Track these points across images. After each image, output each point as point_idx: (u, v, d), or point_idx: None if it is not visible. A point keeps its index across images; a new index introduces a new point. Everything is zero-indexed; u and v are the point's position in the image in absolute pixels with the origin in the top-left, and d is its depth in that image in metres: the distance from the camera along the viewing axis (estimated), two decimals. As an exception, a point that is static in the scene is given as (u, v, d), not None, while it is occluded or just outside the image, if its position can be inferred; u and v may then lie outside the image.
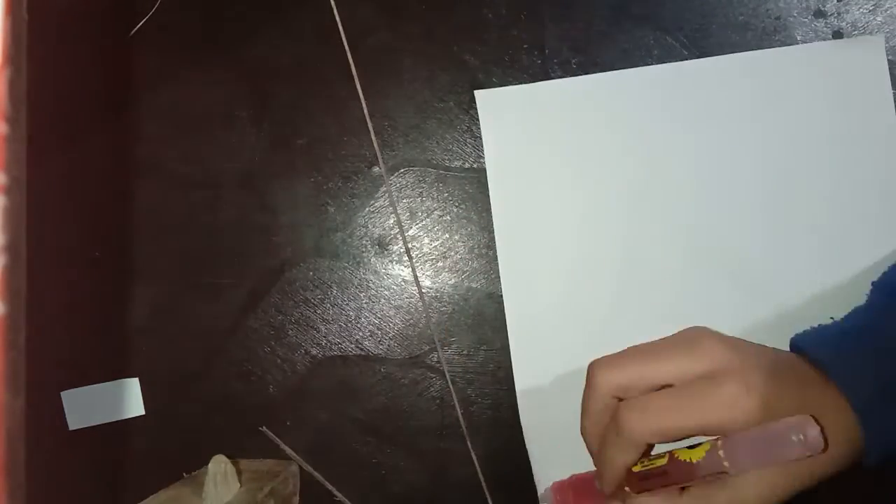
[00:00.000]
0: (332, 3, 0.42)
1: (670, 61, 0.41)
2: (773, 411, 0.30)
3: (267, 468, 0.41)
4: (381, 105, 0.43)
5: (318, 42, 0.43)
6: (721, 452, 0.30)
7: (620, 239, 0.41)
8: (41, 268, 0.42)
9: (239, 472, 0.39)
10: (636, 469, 0.33)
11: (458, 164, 0.43)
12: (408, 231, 0.43)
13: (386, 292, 0.43)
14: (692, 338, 0.33)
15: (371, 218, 0.43)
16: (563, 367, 0.40)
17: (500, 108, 0.41)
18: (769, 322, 0.39)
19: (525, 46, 0.42)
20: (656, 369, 0.32)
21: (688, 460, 0.31)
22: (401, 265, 0.43)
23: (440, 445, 0.43)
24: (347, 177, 0.43)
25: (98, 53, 0.44)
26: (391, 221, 0.43)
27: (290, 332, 0.43)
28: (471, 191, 0.43)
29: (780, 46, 0.41)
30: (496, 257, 0.42)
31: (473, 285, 0.43)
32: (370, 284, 0.43)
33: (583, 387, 0.34)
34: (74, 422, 0.43)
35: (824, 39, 0.41)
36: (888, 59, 0.40)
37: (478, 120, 0.42)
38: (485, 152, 0.41)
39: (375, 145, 0.43)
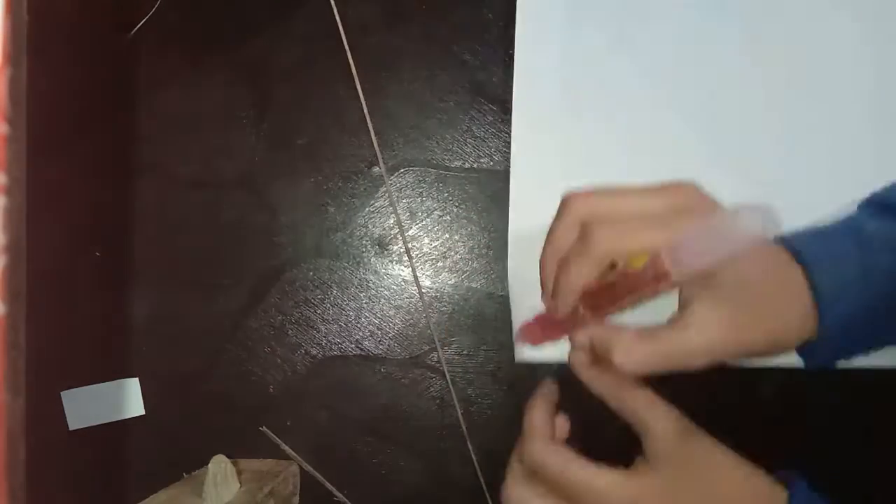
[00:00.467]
0: (332, 3, 0.42)
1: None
2: (739, 262, 0.30)
3: (267, 468, 0.41)
4: (381, 105, 0.43)
5: (318, 42, 0.43)
6: (662, 253, 0.29)
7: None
8: (41, 268, 0.42)
9: (239, 472, 0.39)
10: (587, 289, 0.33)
11: (458, 164, 0.43)
12: (408, 231, 0.43)
13: (386, 292, 0.43)
14: (674, 182, 0.33)
15: (371, 218, 0.43)
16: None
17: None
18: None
19: (525, 46, 0.42)
20: (632, 201, 0.33)
21: (632, 269, 0.30)
22: (401, 265, 0.43)
23: (440, 445, 0.43)
24: (347, 177, 0.43)
25: (98, 53, 0.44)
26: (391, 221, 0.43)
27: (290, 332, 0.43)
28: (471, 191, 0.43)
29: None
30: (496, 257, 0.42)
31: (473, 285, 0.43)
32: (370, 284, 0.43)
33: None
34: (74, 422, 0.43)
35: None
36: None
37: (478, 120, 0.42)
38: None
39: (375, 145, 0.43)
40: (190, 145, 0.44)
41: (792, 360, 0.38)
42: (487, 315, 0.42)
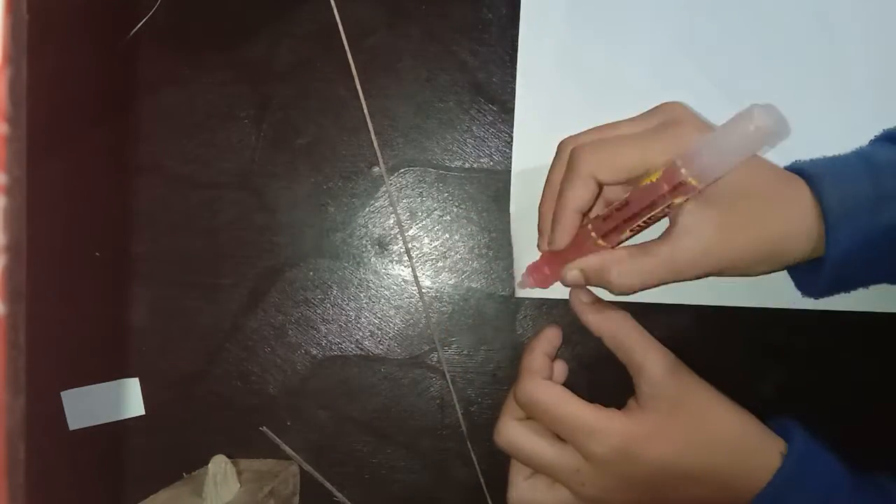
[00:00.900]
0: (332, 3, 0.42)
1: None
2: (734, 172, 0.30)
3: (267, 468, 0.41)
4: (381, 105, 0.43)
5: (318, 42, 0.43)
6: (678, 161, 0.28)
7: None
8: (41, 268, 0.42)
9: (239, 472, 0.39)
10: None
11: (458, 164, 0.43)
12: (408, 231, 0.43)
13: (386, 292, 0.43)
14: (660, 105, 0.33)
15: (371, 218, 0.43)
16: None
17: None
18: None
19: (525, 46, 0.42)
20: (620, 126, 0.33)
21: (647, 182, 0.30)
22: (401, 265, 0.43)
23: (440, 445, 0.43)
24: (347, 177, 0.43)
25: (98, 53, 0.44)
26: (391, 221, 0.43)
27: (290, 332, 0.43)
28: (471, 191, 0.43)
29: None
30: (496, 257, 0.42)
31: (473, 285, 0.43)
32: (370, 284, 0.43)
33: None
34: (74, 422, 0.43)
35: None
36: None
37: (478, 120, 0.42)
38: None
39: (375, 145, 0.43)
40: (190, 145, 0.44)
41: (782, 298, 0.38)
42: (487, 315, 0.42)
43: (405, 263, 0.43)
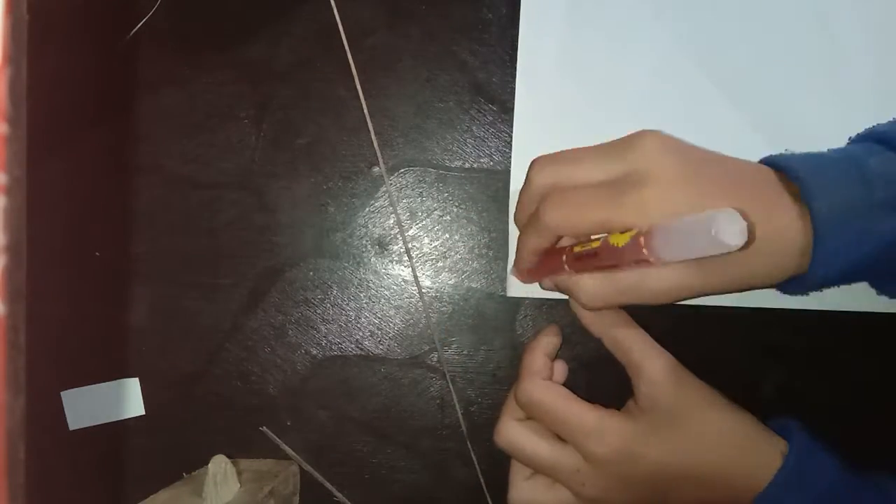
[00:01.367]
0: (332, 3, 0.42)
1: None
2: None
3: (267, 468, 0.41)
4: (381, 105, 0.43)
5: (318, 42, 0.43)
6: (641, 240, 0.28)
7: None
8: (41, 268, 0.42)
9: (239, 472, 0.39)
10: (576, 249, 0.33)
11: (458, 164, 0.43)
12: (408, 231, 0.43)
13: (386, 292, 0.43)
14: (633, 138, 0.31)
15: (371, 218, 0.43)
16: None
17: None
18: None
19: (525, 46, 0.42)
20: (587, 170, 0.31)
21: (615, 245, 0.30)
22: (401, 265, 0.43)
23: (440, 445, 0.43)
24: (347, 177, 0.43)
25: (98, 53, 0.44)
26: (391, 221, 0.43)
27: (290, 332, 0.43)
28: (471, 191, 0.43)
29: None
30: (496, 257, 0.42)
31: (473, 285, 0.43)
32: (370, 284, 0.43)
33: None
34: (74, 422, 0.43)
35: None
36: None
37: (478, 120, 0.42)
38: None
39: (375, 145, 0.43)
40: (190, 145, 0.44)
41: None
42: (487, 315, 0.42)
43: (405, 263, 0.43)
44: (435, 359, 0.43)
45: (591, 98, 0.41)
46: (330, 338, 0.43)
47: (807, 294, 0.33)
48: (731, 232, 0.25)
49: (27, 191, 0.16)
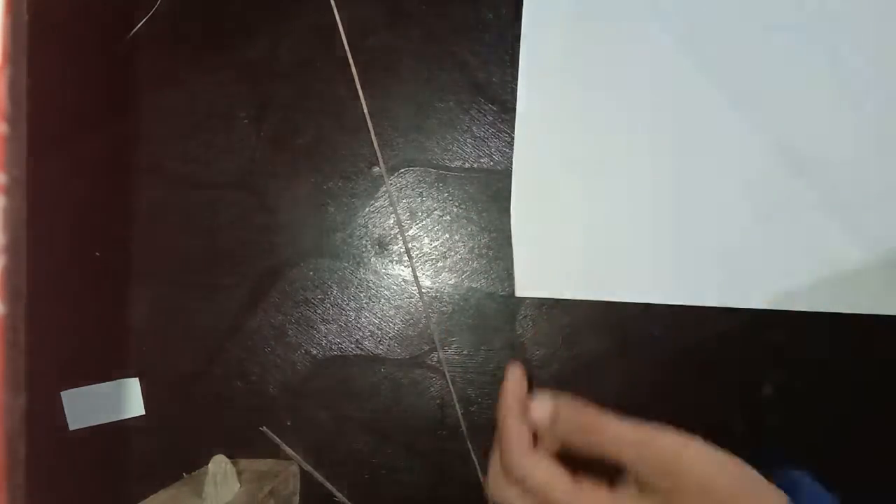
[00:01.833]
0: (332, 3, 0.42)
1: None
2: None
3: (267, 468, 0.41)
4: (381, 105, 0.43)
5: (318, 42, 0.43)
6: None
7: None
8: (41, 268, 0.42)
9: (239, 472, 0.39)
10: None
11: (458, 164, 0.43)
12: (408, 231, 0.43)
13: (386, 292, 0.43)
14: (674, 446, 0.28)
15: (371, 218, 0.43)
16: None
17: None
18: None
19: (525, 46, 0.42)
20: (618, 451, 0.29)
21: None
22: (401, 265, 0.43)
23: (440, 445, 0.43)
24: (347, 177, 0.43)
25: (98, 54, 0.44)
26: (391, 221, 0.43)
27: (290, 332, 0.43)
28: (471, 191, 0.43)
29: None
30: (496, 257, 0.42)
31: (473, 285, 0.43)
32: (370, 284, 0.43)
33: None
34: (74, 422, 0.43)
35: None
36: None
37: (478, 120, 0.42)
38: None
39: (375, 145, 0.43)
40: (190, 145, 0.44)
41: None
42: (488, 315, 0.42)
43: (405, 263, 0.43)
44: (435, 359, 0.43)
45: (592, 98, 0.41)
46: (330, 338, 0.43)
47: None
48: None
49: (27, 191, 0.16)
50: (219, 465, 0.38)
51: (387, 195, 0.43)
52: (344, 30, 0.42)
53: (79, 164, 0.44)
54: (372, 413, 0.43)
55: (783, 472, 0.32)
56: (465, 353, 0.42)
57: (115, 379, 0.43)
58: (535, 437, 0.32)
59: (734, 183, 0.41)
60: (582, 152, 0.41)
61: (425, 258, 0.43)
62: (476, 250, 0.43)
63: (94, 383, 0.43)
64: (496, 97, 0.42)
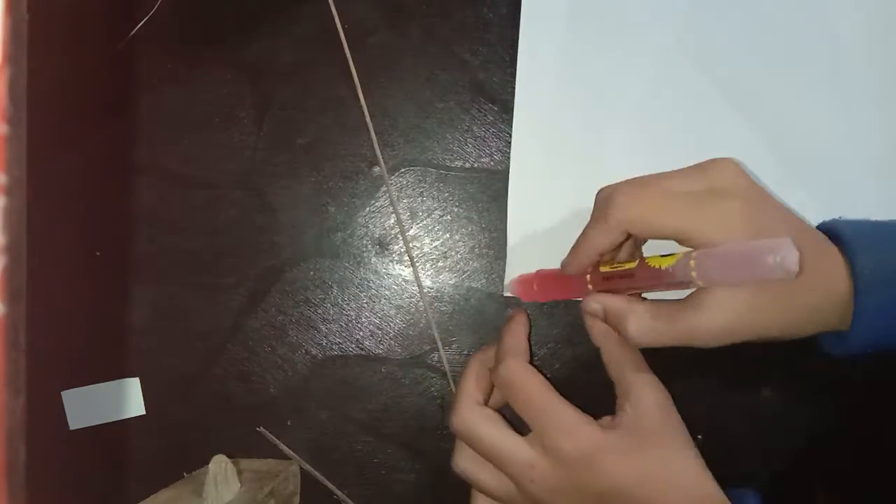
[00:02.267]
0: (332, 3, 0.42)
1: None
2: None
3: (267, 468, 0.41)
4: (381, 105, 0.43)
5: (318, 42, 0.43)
6: (692, 262, 0.29)
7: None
8: (41, 268, 0.42)
9: (239, 472, 0.39)
10: (603, 269, 0.33)
11: (458, 163, 0.43)
12: (408, 231, 0.43)
13: (386, 292, 0.43)
14: (712, 161, 0.32)
15: (371, 218, 0.43)
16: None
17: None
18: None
19: (525, 46, 0.42)
20: (670, 181, 0.32)
21: (657, 266, 0.30)
22: (401, 265, 0.43)
23: (440, 445, 0.43)
24: (348, 177, 0.43)
25: (98, 53, 0.44)
26: (391, 221, 0.43)
27: (291, 331, 0.43)
28: (472, 191, 0.43)
29: None
30: (496, 257, 0.42)
31: (474, 285, 0.43)
32: (371, 284, 0.43)
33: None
34: (74, 422, 0.43)
35: None
36: None
37: (478, 120, 0.42)
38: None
39: (375, 145, 0.43)
40: (190, 145, 0.44)
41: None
42: (488, 315, 0.42)
43: (406, 263, 0.43)
44: (435, 359, 0.43)
45: (590, 98, 0.41)
46: (330, 338, 0.43)
47: (851, 360, 0.32)
48: (791, 260, 0.26)
49: (27, 191, 0.16)
50: (219, 464, 0.38)
51: (387, 195, 0.43)
52: (344, 30, 0.42)
53: (79, 164, 0.44)
54: (372, 413, 0.43)
55: (734, 490, 0.32)
56: (465, 353, 0.42)
57: (115, 379, 0.43)
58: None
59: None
60: (579, 153, 0.41)
61: (426, 258, 0.43)
62: (476, 250, 0.43)
63: (94, 383, 0.43)
64: (496, 97, 0.42)
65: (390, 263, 0.43)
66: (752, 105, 0.41)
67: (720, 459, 0.38)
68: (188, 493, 0.39)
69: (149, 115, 0.44)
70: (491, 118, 0.42)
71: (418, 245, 0.43)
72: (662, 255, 0.31)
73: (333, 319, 0.43)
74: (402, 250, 0.43)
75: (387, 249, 0.43)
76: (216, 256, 0.43)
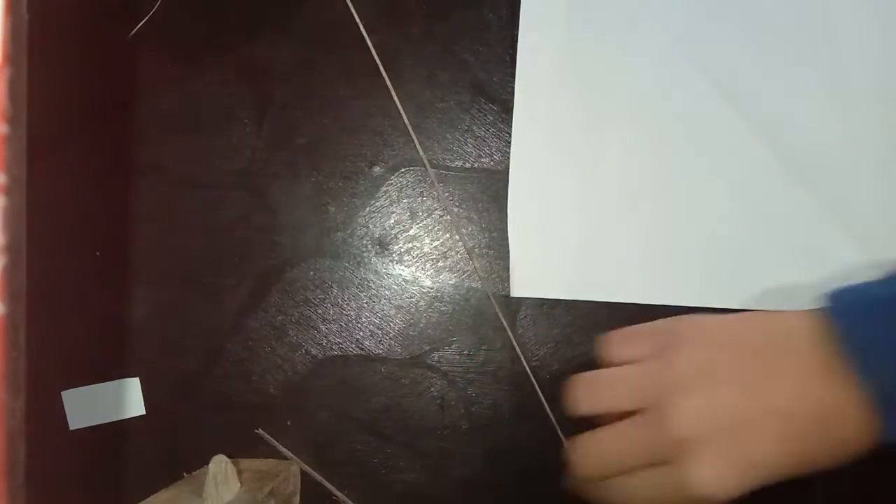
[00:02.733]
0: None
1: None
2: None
3: (267, 468, 0.41)
4: (381, 105, 0.43)
5: (318, 42, 0.43)
6: None
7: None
8: (41, 268, 0.42)
9: (239, 472, 0.39)
10: None
11: (458, 163, 0.43)
12: (408, 231, 0.43)
13: (386, 292, 0.43)
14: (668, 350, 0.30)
15: (371, 218, 0.43)
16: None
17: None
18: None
19: (525, 46, 0.42)
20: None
21: None
22: (401, 265, 0.43)
23: (440, 445, 0.43)
24: (348, 177, 0.43)
25: (98, 53, 0.44)
26: (392, 221, 0.43)
27: (291, 331, 0.43)
28: (471, 190, 0.43)
29: None
30: (496, 257, 0.42)
31: (474, 285, 0.43)
32: (371, 284, 0.43)
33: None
34: (74, 422, 0.43)
35: None
36: None
37: (478, 120, 0.42)
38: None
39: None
40: (190, 145, 0.44)
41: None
42: (488, 315, 0.42)
43: (406, 263, 0.43)
44: (435, 359, 0.43)
45: (590, 98, 0.41)
46: (330, 337, 0.43)
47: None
48: None
49: (27, 191, 0.16)
50: (219, 464, 0.38)
51: (387, 195, 0.43)
52: (344, 30, 0.42)
53: (79, 164, 0.44)
54: (372, 413, 0.43)
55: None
56: (465, 353, 0.42)
57: (115, 379, 0.43)
58: None
59: (733, 184, 0.41)
60: (579, 152, 0.41)
61: (426, 258, 0.43)
62: (476, 250, 0.43)
63: (94, 383, 0.43)
64: (497, 97, 0.42)
65: (390, 263, 0.43)
66: (752, 105, 0.40)
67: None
68: (188, 493, 0.39)
69: (149, 115, 0.44)
70: (491, 118, 0.42)
71: (418, 245, 0.43)
72: None
73: (333, 319, 0.43)
74: (402, 250, 0.43)
75: (387, 249, 0.43)
76: (216, 256, 0.43)
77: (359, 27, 0.42)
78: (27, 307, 0.16)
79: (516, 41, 0.41)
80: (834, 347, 0.26)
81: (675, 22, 0.41)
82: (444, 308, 0.43)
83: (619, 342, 0.33)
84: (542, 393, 0.41)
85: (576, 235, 0.41)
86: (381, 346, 0.43)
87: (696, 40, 0.41)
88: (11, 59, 0.15)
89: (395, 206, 0.43)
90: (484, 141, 0.42)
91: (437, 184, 0.43)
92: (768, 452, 0.27)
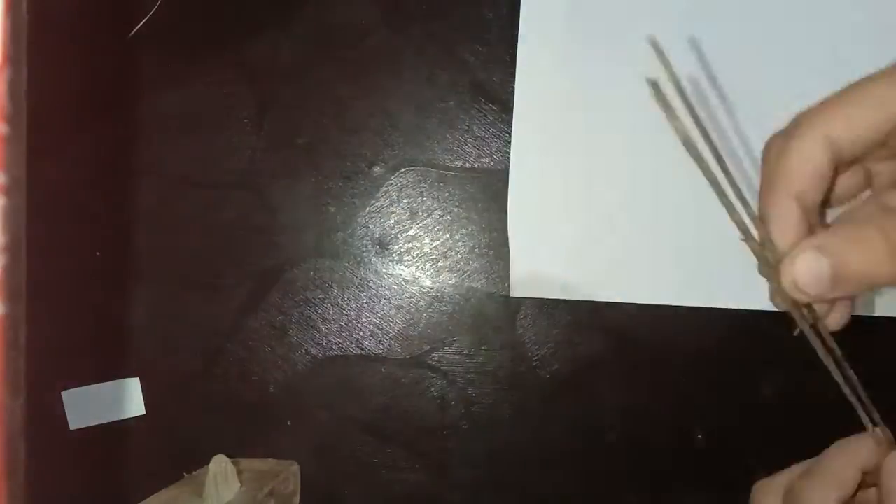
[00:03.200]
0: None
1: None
2: None
3: (267, 468, 0.41)
4: (381, 105, 0.43)
5: (318, 42, 0.43)
6: None
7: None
8: (41, 268, 0.42)
9: (239, 472, 0.39)
10: None
11: (458, 163, 0.43)
12: (408, 231, 0.43)
13: (386, 292, 0.43)
14: None
15: (372, 218, 0.43)
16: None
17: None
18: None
19: (525, 46, 0.42)
20: None
21: None
22: (401, 265, 0.43)
23: (440, 445, 0.43)
24: (348, 177, 0.43)
25: (98, 53, 0.44)
26: (392, 221, 0.43)
27: (291, 331, 0.43)
28: (472, 190, 0.43)
29: None
30: (496, 257, 0.42)
31: (474, 285, 0.43)
32: (371, 284, 0.43)
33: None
34: (74, 422, 0.43)
35: None
36: None
37: (478, 120, 0.42)
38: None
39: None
40: (190, 145, 0.44)
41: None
42: (488, 315, 0.42)
43: (406, 263, 0.43)
44: (435, 359, 0.43)
45: (590, 98, 0.41)
46: (330, 337, 0.43)
47: None
48: None
49: (27, 191, 0.16)
50: (219, 464, 0.38)
51: (387, 195, 0.43)
52: (344, 30, 0.42)
53: (79, 165, 0.44)
54: (372, 413, 0.43)
55: None
56: (465, 353, 0.42)
57: (115, 379, 0.43)
58: None
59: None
60: (579, 152, 0.41)
61: (426, 258, 0.43)
62: (476, 250, 0.43)
63: (95, 383, 0.43)
64: (497, 97, 0.42)
65: (390, 263, 0.43)
66: (752, 105, 0.40)
67: (720, 459, 0.38)
68: (188, 493, 0.39)
69: (149, 115, 0.44)
70: (491, 118, 0.42)
71: (418, 245, 0.43)
72: None
73: (333, 319, 0.43)
74: (402, 250, 0.43)
75: (387, 249, 0.43)
76: (216, 256, 0.43)
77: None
78: (27, 307, 0.16)
79: (516, 41, 0.41)
80: None
81: (676, 22, 0.41)
82: (444, 308, 0.43)
83: None
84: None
85: (576, 235, 0.41)
86: (381, 346, 0.43)
87: (696, 40, 0.41)
88: (11, 59, 0.15)
89: (395, 206, 0.43)
90: (484, 141, 0.42)
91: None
92: None
